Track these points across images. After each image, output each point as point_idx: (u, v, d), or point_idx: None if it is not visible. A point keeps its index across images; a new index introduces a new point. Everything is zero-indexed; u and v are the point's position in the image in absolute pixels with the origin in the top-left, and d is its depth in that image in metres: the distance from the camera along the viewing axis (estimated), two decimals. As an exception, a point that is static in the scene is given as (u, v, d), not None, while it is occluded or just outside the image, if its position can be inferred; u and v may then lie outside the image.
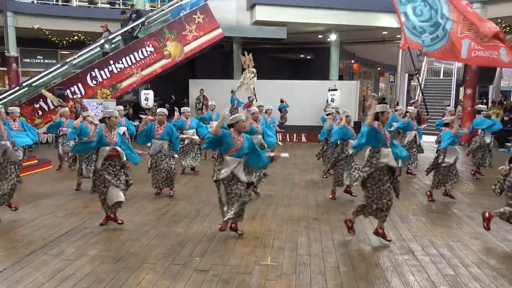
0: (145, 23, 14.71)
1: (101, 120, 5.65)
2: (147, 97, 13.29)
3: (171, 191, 7.17)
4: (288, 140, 14.74)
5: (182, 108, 9.10)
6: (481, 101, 15.05)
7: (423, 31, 8.80)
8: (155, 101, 15.42)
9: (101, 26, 15.03)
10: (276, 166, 9.34)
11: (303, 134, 14.89)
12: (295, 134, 14.87)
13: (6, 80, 16.87)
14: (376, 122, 4.85)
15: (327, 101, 14.55)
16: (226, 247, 4.81)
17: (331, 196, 7.08)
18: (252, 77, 11.82)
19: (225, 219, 5.03)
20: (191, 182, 8.32)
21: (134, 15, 14.49)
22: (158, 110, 7.17)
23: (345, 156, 6.85)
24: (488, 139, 8.83)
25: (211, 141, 5.02)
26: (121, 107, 9.69)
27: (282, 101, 14.83)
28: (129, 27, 14.36)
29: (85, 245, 4.85)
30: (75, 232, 5.27)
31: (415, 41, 9.09)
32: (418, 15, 8.66)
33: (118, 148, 5.42)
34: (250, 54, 12.26)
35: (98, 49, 14.63)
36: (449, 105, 14.75)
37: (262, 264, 4.37)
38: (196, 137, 8.48)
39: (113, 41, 14.64)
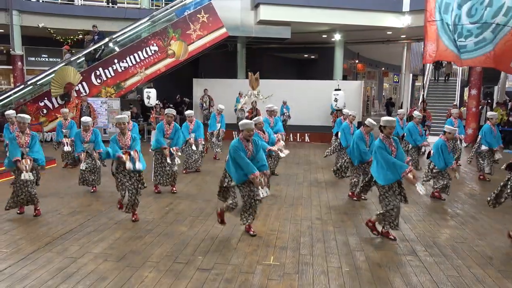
0: (108, 45, 14.68)
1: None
2: (149, 96, 13.32)
3: (173, 189, 7.30)
4: (292, 140, 14.74)
5: (186, 112, 9.13)
6: (486, 102, 15.00)
7: (470, 34, 8.07)
8: (162, 101, 15.50)
9: (62, 48, 15.20)
10: (279, 166, 9.33)
11: (306, 134, 14.88)
12: (298, 134, 14.86)
13: (12, 78, 16.98)
14: (381, 134, 5.01)
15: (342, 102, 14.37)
16: (229, 246, 4.82)
17: (355, 198, 6.99)
18: (256, 97, 12.07)
19: (247, 222, 5.12)
20: (194, 181, 8.33)
21: (97, 36, 14.54)
22: (167, 110, 7.42)
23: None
24: (483, 147, 8.47)
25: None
26: (128, 113, 9.69)
27: (284, 103, 14.77)
28: (91, 48, 14.34)
29: (88, 243, 4.87)
30: (79, 230, 5.30)
31: (451, 51, 8.29)
32: (471, 16, 8.02)
33: (131, 152, 5.57)
34: (257, 74, 12.36)
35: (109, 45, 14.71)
36: (456, 106, 14.65)
37: (265, 264, 4.37)
38: (194, 147, 8.72)
39: (77, 62, 14.65)
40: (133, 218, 5.69)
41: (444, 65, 20.38)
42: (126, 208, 5.68)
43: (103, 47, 14.46)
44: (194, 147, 8.68)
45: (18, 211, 5.92)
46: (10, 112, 8.25)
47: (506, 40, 7.23)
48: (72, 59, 14.47)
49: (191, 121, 8.82)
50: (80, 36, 15.70)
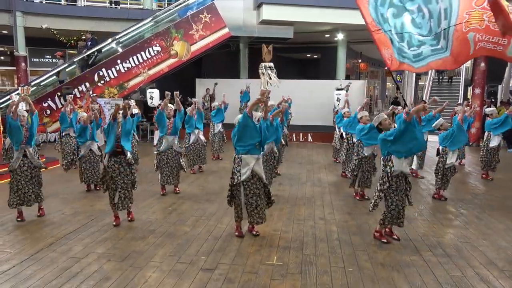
0: (101, 51, 14.67)
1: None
2: (152, 96, 13.35)
3: (176, 189, 7.27)
4: (295, 139, 14.72)
5: (188, 109, 9.16)
6: (490, 101, 14.91)
7: (421, 43, 8.01)
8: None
9: (55, 54, 15.28)
10: (282, 166, 9.33)
11: (309, 134, 14.86)
12: (301, 134, 14.84)
13: (15, 79, 17.06)
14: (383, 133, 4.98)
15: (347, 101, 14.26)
16: (232, 246, 4.82)
17: (358, 198, 6.98)
18: (269, 69, 11.91)
19: (253, 221, 5.06)
20: (197, 181, 8.34)
21: (90, 43, 14.58)
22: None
23: (362, 158, 6.81)
24: (494, 143, 8.59)
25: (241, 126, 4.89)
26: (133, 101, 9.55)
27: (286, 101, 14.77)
28: (84, 55, 14.35)
29: (92, 243, 4.89)
30: (82, 230, 5.31)
31: (400, 62, 8.13)
32: (418, 27, 7.91)
33: (123, 145, 5.46)
34: (271, 46, 12.28)
35: (111, 46, 14.75)
36: (460, 104, 14.57)
37: (268, 264, 4.37)
38: (202, 138, 8.84)
39: (68, 69, 14.66)
40: (129, 218, 5.66)
41: None
42: (118, 206, 5.54)
43: (96, 53, 14.51)
44: (202, 138, 8.79)
45: (19, 219, 5.73)
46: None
47: (456, 37, 7.25)
48: (64, 65, 14.54)
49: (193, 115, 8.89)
50: (83, 37, 15.74)
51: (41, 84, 14.63)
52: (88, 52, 14.33)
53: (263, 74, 12.10)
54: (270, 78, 11.77)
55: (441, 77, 20.48)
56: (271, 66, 12.07)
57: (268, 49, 12.19)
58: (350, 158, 8.04)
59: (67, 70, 14.64)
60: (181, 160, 7.19)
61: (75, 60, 14.61)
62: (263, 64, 12.12)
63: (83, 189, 7.47)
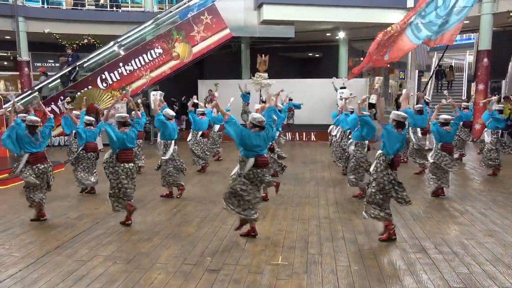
0: (83, 66, 14.76)
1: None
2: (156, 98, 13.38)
3: (179, 194, 7.15)
4: (298, 139, 14.71)
5: (198, 110, 9.41)
6: (494, 96, 14.82)
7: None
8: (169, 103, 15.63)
9: (38, 70, 15.36)
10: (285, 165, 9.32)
11: (312, 133, 14.85)
12: (304, 133, 14.83)
13: (19, 84, 17.16)
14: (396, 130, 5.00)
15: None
16: (237, 247, 4.83)
17: (357, 196, 6.98)
18: (264, 81, 12.01)
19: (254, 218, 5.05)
20: (201, 182, 8.35)
21: (70, 58, 14.68)
22: (164, 111, 7.23)
23: (358, 158, 6.81)
24: (487, 138, 8.57)
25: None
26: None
27: (290, 100, 14.81)
28: (65, 71, 14.45)
29: (97, 246, 4.90)
30: (88, 233, 5.33)
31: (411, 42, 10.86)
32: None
33: (135, 149, 5.51)
34: (267, 57, 12.32)
35: (114, 49, 14.82)
36: (465, 100, 14.57)
37: (273, 264, 4.37)
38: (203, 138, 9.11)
39: (50, 85, 14.77)
40: (128, 222, 5.59)
41: (445, 72, 20.44)
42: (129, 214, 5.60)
43: (77, 69, 14.58)
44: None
45: (41, 218, 5.90)
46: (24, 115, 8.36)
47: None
48: (47, 81, 14.65)
49: (203, 114, 9.20)
50: (85, 41, 15.83)
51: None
52: (69, 68, 14.41)
53: (256, 77, 12.29)
54: (262, 86, 11.91)
55: (439, 89, 20.44)
56: (264, 76, 12.21)
57: (264, 59, 12.25)
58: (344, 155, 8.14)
59: (50, 85, 14.71)
60: (183, 163, 7.20)
61: (55, 76, 14.68)
62: (257, 74, 12.22)
63: (87, 192, 7.51)
